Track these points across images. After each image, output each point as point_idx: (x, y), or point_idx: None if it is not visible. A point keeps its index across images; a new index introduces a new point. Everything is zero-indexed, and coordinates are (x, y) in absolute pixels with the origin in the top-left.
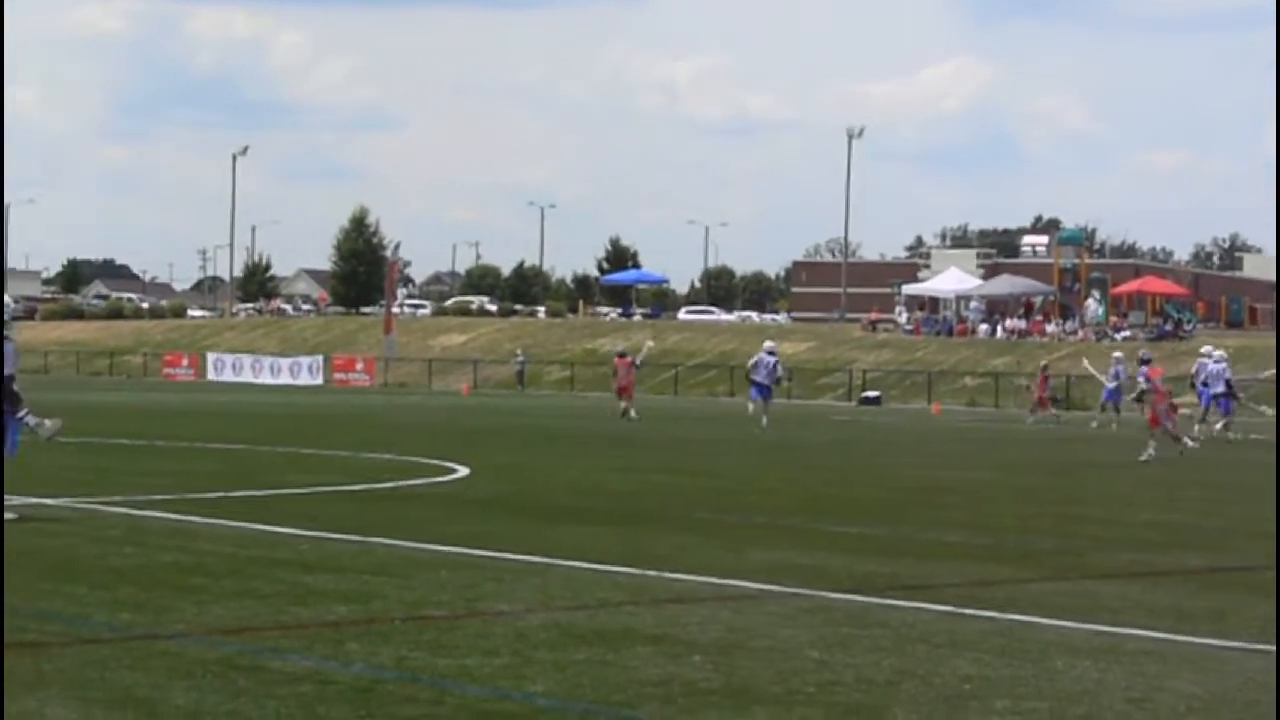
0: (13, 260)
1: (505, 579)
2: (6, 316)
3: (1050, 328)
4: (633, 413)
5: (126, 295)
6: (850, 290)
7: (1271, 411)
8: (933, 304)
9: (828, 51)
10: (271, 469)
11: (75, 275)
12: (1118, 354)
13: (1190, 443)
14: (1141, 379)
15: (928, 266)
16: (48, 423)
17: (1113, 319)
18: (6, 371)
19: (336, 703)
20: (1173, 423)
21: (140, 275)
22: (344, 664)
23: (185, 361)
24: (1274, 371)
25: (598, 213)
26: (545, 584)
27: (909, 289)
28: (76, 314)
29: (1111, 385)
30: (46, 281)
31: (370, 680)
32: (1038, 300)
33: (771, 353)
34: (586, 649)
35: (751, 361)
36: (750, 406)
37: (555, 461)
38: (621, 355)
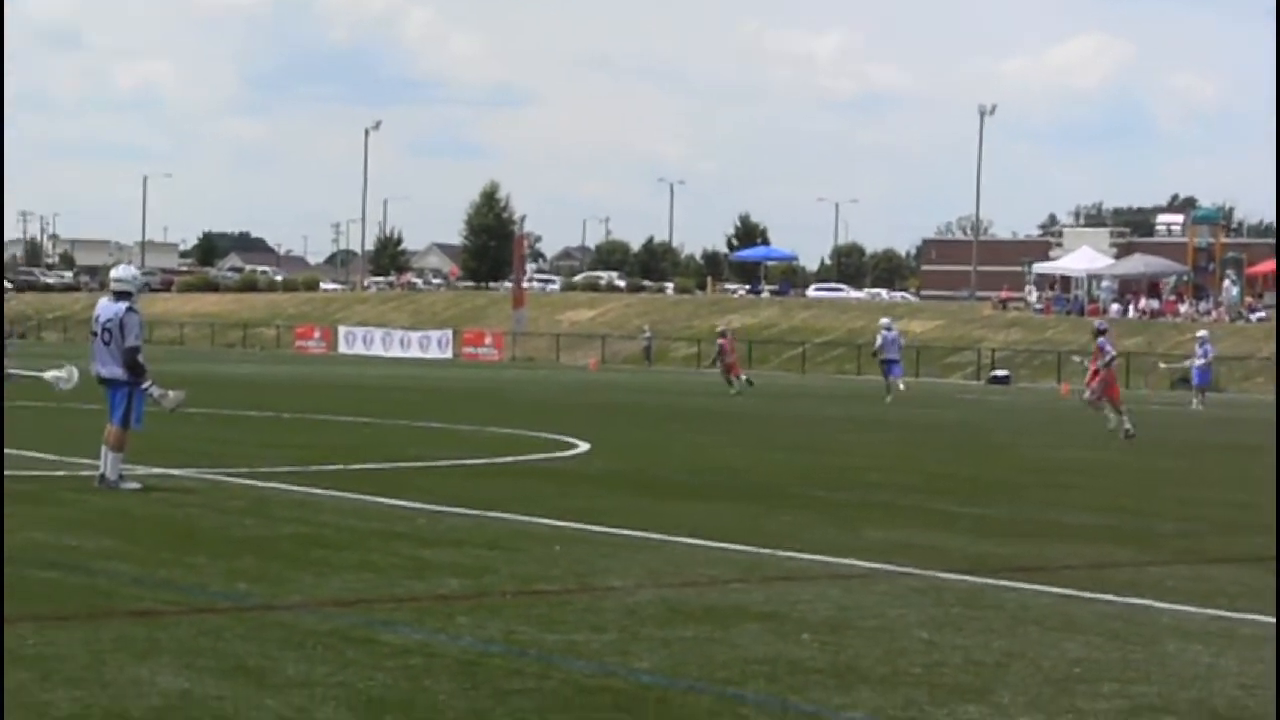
0: (150, 233)
1: (618, 555)
2: (133, 289)
3: (1184, 308)
4: (745, 378)
5: (261, 268)
6: (980, 268)
7: None
8: (1064, 283)
9: (961, 28)
10: (396, 442)
11: (211, 248)
12: (1202, 333)
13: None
14: (1108, 348)
15: (1060, 245)
16: (171, 394)
17: (1248, 299)
18: (133, 343)
19: (443, 675)
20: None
21: (275, 248)
22: (453, 637)
23: (317, 334)
24: None
25: (727, 189)
26: (657, 560)
27: (1040, 268)
28: (211, 287)
29: (1200, 364)
30: (183, 254)
31: (478, 654)
32: (1170, 281)
33: (889, 328)
34: (695, 626)
35: (878, 342)
36: (901, 385)
37: (676, 437)
38: (723, 335)
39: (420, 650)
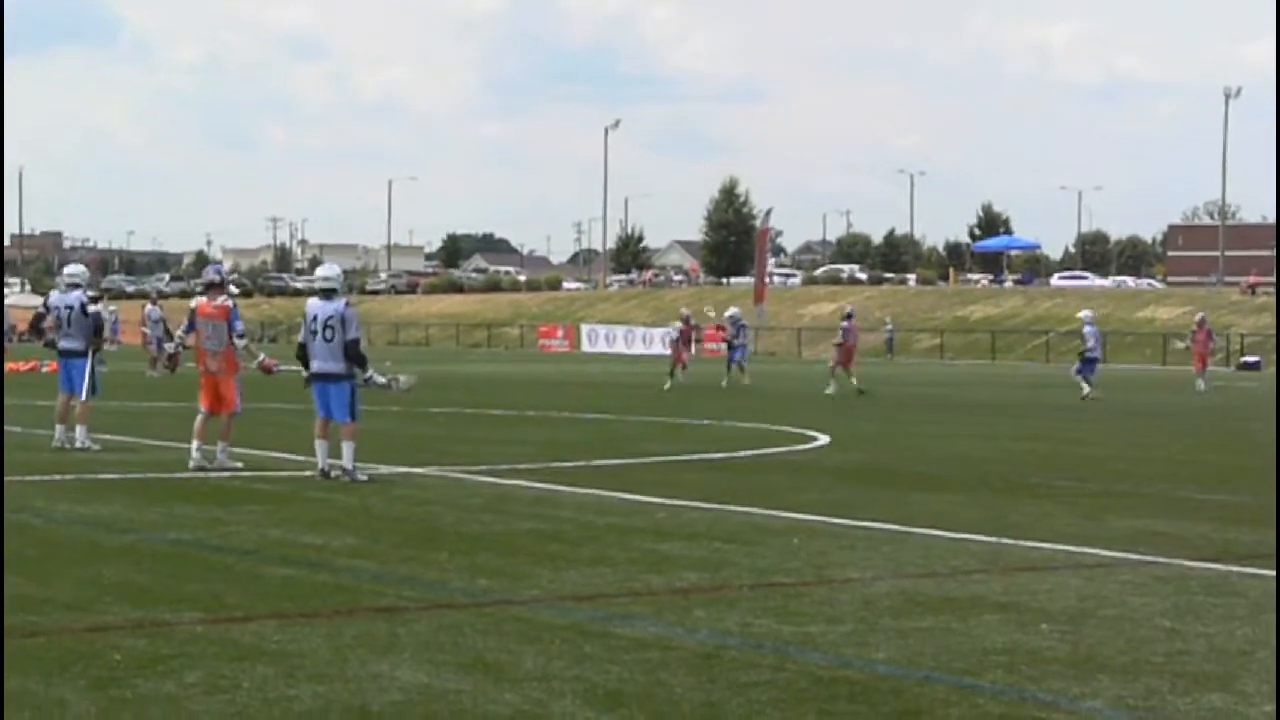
0: (396, 236)
1: (857, 547)
2: (339, 286)
3: None
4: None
5: (504, 269)
6: (1228, 253)
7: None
8: None
9: (1202, 11)
10: (635, 438)
11: (455, 250)
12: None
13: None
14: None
15: None
16: (402, 378)
17: None
18: (354, 335)
19: (679, 668)
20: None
21: (518, 249)
22: (690, 630)
23: (560, 333)
24: None
25: (968, 179)
26: (897, 552)
27: None
28: (456, 288)
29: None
30: (428, 256)
31: (714, 646)
32: None
33: (734, 319)
34: (932, 617)
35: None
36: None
37: (917, 429)
38: (685, 319)
39: (657, 643)
